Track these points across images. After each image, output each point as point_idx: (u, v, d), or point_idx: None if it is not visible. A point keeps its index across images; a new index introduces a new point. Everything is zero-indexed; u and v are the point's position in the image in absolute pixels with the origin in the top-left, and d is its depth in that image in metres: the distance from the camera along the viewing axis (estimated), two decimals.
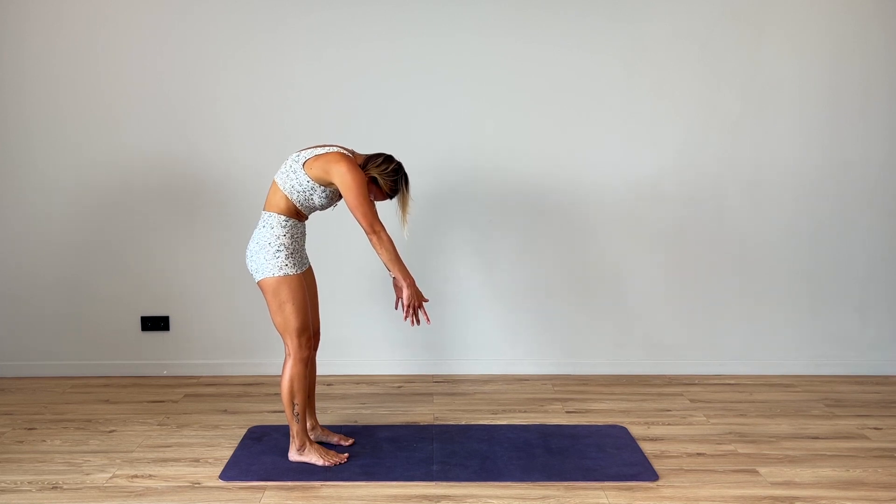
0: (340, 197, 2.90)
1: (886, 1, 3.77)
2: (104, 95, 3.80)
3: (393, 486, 2.78)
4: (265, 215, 2.85)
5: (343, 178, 2.75)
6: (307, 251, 3.05)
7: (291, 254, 2.83)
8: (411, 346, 4.02)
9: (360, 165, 2.84)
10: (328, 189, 2.83)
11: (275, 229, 2.82)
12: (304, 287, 2.88)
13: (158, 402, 3.62)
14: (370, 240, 2.80)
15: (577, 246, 3.95)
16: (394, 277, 2.90)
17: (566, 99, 3.83)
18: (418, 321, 2.92)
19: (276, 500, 2.68)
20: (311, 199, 2.83)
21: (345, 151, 2.86)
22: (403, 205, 2.93)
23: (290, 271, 2.82)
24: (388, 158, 2.89)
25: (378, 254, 2.81)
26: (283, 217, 2.83)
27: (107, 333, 3.99)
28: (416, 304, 2.86)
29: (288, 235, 2.83)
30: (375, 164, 2.86)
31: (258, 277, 2.83)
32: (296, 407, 2.88)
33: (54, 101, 3.80)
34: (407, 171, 2.96)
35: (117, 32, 3.76)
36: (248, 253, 2.87)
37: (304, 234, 2.94)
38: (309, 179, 2.80)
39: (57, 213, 3.89)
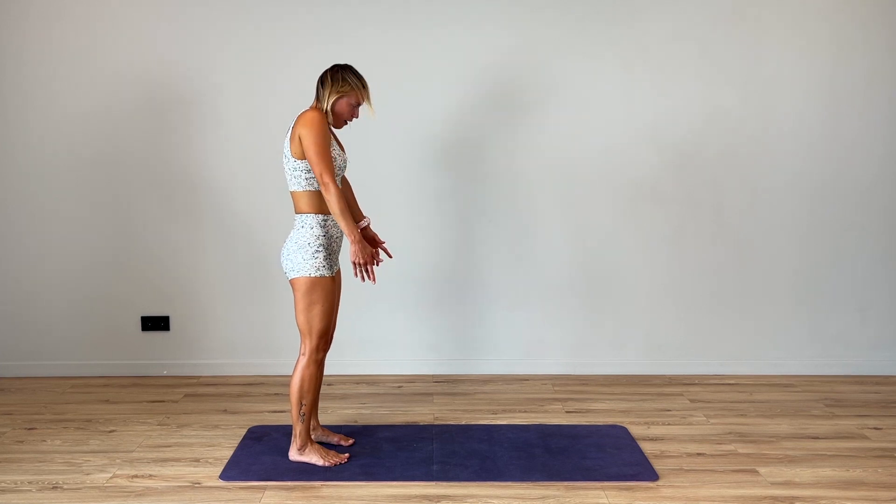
0: (342, 148, 2.92)
1: (887, 1, 3.77)
2: (102, 96, 3.80)
3: (393, 486, 2.78)
4: (300, 218, 2.84)
5: (304, 134, 2.74)
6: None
7: (329, 255, 2.83)
8: (411, 346, 4.02)
9: (321, 108, 2.82)
10: None
11: (314, 229, 2.82)
12: (335, 291, 2.88)
13: (158, 402, 3.62)
14: (321, 189, 2.76)
15: (577, 245, 3.95)
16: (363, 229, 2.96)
17: (566, 98, 3.83)
18: (364, 278, 2.84)
19: (277, 500, 2.68)
20: None
21: (301, 112, 2.84)
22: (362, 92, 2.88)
23: (326, 273, 2.81)
24: (322, 79, 2.85)
25: (328, 204, 2.77)
26: (320, 216, 2.83)
27: (107, 333, 3.99)
28: (360, 262, 2.80)
29: (326, 236, 2.83)
30: (327, 92, 2.83)
31: (292, 275, 2.82)
32: (303, 407, 2.89)
33: (53, 101, 3.80)
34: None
35: (116, 32, 3.77)
36: (284, 252, 2.86)
37: (342, 234, 2.93)
38: (306, 162, 2.79)
39: (57, 213, 3.89)
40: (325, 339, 2.90)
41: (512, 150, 3.87)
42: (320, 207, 2.83)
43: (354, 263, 2.81)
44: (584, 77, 3.82)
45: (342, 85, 2.84)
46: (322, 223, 2.83)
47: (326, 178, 2.73)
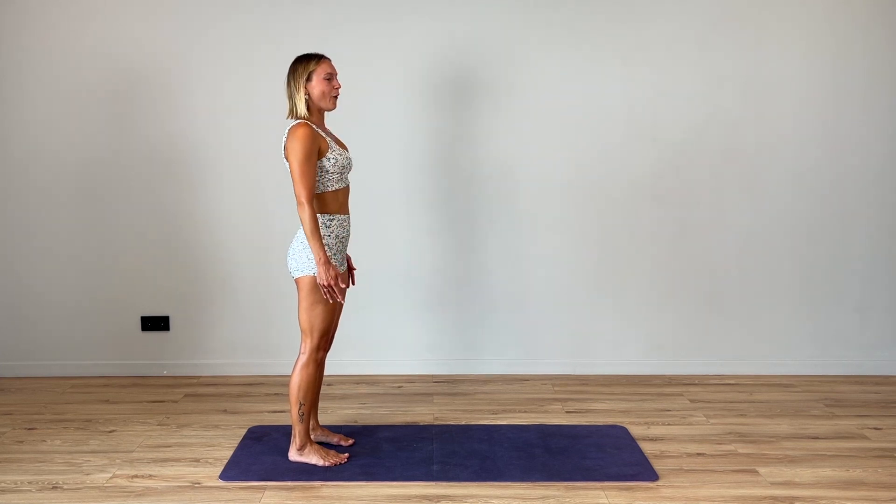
0: (343, 148, 2.91)
1: (887, 1, 3.77)
2: (102, 95, 3.80)
3: (393, 486, 2.78)
4: None
5: (289, 149, 2.73)
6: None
7: (334, 255, 2.82)
8: (411, 346, 4.02)
9: (303, 117, 2.80)
10: (322, 159, 2.79)
11: (320, 229, 2.79)
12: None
13: (158, 402, 3.62)
14: (297, 206, 2.75)
15: (577, 245, 3.95)
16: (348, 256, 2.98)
17: (565, 98, 3.83)
18: (332, 299, 2.80)
19: (276, 500, 2.68)
20: (323, 176, 2.80)
21: (290, 126, 2.80)
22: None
23: None
24: (287, 88, 2.83)
25: (301, 222, 2.75)
26: (325, 216, 2.82)
27: (107, 333, 3.99)
28: (324, 283, 2.75)
29: (332, 235, 2.82)
30: (293, 93, 2.81)
31: (297, 275, 2.82)
32: (302, 407, 2.88)
33: (53, 100, 3.80)
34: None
35: (115, 32, 3.77)
36: (290, 251, 2.86)
37: (349, 233, 2.93)
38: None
39: (57, 213, 3.89)
40: (325, 339, 2.90)
41: (511, 151, 3.87)
42: (326, 208, 2.83)
43: (320, 285, 2.77)
44: (584, 77, 3.82)
45: (301, 75, 2.81)
46: (327, 223, 2.82)
47: (303, 199, 2.72)
